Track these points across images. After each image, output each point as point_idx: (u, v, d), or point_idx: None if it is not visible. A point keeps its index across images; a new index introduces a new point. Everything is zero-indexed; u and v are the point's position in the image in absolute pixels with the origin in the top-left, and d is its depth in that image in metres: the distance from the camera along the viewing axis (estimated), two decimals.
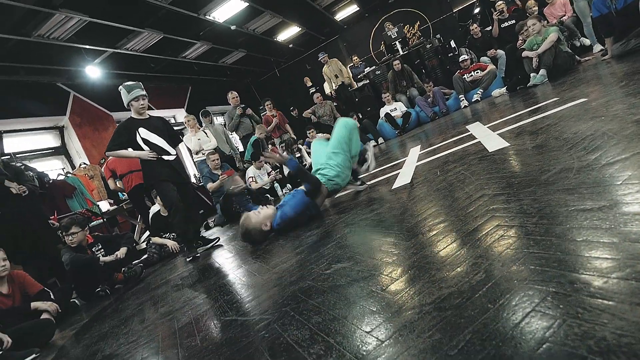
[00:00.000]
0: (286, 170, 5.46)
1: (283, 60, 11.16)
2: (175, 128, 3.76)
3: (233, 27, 7.21)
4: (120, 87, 3.04)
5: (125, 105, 3.07)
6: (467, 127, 3.63)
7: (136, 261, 4.17)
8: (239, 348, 1.04)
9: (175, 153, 3.21)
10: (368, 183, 2.90)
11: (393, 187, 2.33)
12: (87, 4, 4.85)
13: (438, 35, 8.44)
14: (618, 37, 3.92)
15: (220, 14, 6.64)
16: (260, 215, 2.46)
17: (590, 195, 1.02)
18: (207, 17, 6.49)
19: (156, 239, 4.22)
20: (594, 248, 0.77)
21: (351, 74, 8.97)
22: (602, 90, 2.58)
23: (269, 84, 11.63)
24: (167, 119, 3.75)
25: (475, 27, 6.87)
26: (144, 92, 3.06)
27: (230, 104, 6.47)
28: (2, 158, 4.91)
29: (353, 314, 0.93)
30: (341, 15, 9.65)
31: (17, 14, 4.52)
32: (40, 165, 5.95)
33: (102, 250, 3.65)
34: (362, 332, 0.83)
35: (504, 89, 5.78)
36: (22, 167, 4.56)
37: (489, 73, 6.22)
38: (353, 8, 9.53)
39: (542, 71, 4.67)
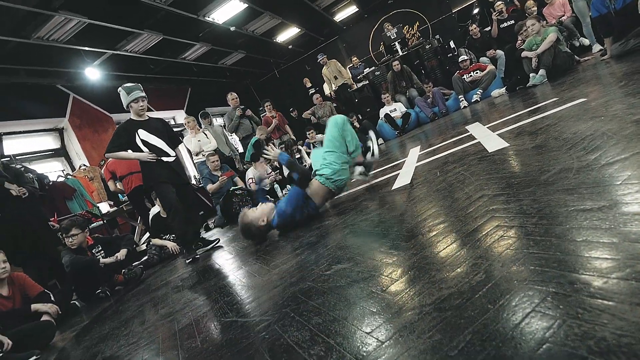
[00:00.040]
0: (286, 172, 5.46)
1: (282, 61, 11.17)
2: (175, 129, 3.76)
3: (232, 29, 7.22)
4: (120, 88, 3.03)
5: (124, 106, 3.07)
6: (466, 127, 3.63)
7: (136, 263, 4.17)
8: (239, 349, 1.04)
9: (174, 154, 3.20)
10: (368, 184, 2.90)
11: (393, 188, 2.33)
12: (86, 5, 4.86)
13: (437, 36, 8.45)
14: (617, 37, 3.92)
15: (220, 15, 6.64)
16: (257, 211, 2.52)
17: (590, 195, 1.02)
18: (207, 18, 6.50)
19: (156, 241, 4.22)
20: (593, 248, 0.77)
21: (350, 75, 8.98)
22: (601, 90, 2.59)
23: (268, 85, 11.64)
24: (166, 120, 3.75)
25: (475, 28, 6.88)
26: (144, 94, 3.06)
27: (229, 105, 6.47)
28: (2, 160, 4.91)
29: (353, 315, 0.93)
30: (340, 16, 9.66)
31: (16, 16, 4.52)
32: (40, 167, 5.95)
33: (102, 251, 3.65)
34: (362, 333, 0.83)
35: (503, 89, 5.79)
36: (22, 169, 4.56)
37: (489, 73, 6.23)
38: (352, 9, 9.55)
39: (542, 71, 4.67)
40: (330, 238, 1.80)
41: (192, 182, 4.32)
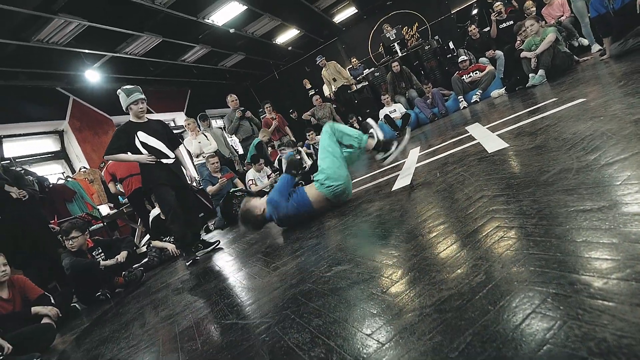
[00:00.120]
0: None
1: (282, 62, 11.18)
2: (175, 132, 3.77)
3: (232, 30, 7.23)
4: (119, 90, 3.03)
5: (123, 108, 3.07)
6: (466, 128, 3.63)
7: (136, 265, 4.16)
8: (239, 352, 1.04)
9: (174, 156, 3.20)
10: (368, 185, 2.90)
11: (393, 189, 2.33)
12: (86, 8, 4.87)
13: (436, 37, 8.46)
14: (616, 37, 3.93)
15: (219, 17, 6.65)
16: (258, 200, 2.62)
17: (590, 195, 1.02)
18: (206, 20, 6.51)
19: (156, 243, 4.22)
20: (593, 249, 0.77)
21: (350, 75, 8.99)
22: (600, 90, 2.59)
23: (268, 87, 11.65)
24: (166, 122, 3.75)
25: (474, 28, 6.89)
26: (143, 96, 3.06)
27: (229, 107, 6.48)
28: (2, 163, 4.92)
29: (353, 316, 0.93)
30: (340, 17, 9.68)
31: (16, 19, 4.53)
32: (40, 170, 5.96)
33: (103, 254, 3.65)
34: (362, 334, 0.83)
35: (502, 90, 5.79)
36: (22, 171, 4.57)
37: (488, 74, 6.23)
38: (351, 10, 9.56)
39: (541, 72, 4.68)
40: (331, 239, 1.80)
41: (193, 184, 4.32)
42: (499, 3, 6.55)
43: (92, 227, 4.94)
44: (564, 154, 1.47)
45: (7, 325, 2.48)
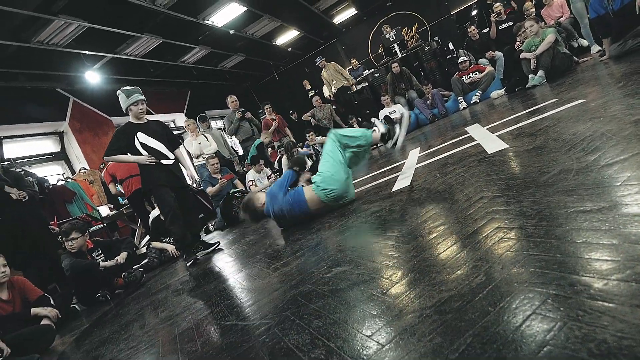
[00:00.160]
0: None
1: (282, 63, 11.19)
2: (175, 132, 3.77)
3: (232, 32, 7.24)
4: (119, 91, 3.02)
5: (123, 109, 3.07)
6: (466, 129, 3.63)
7: (136, 266, 4.16)
8: (239, 353, 1.04)
9: (173, 157, 3.20)
10: (368, 186, 2.90)
11: (393, 190, 2.33)
12: (86, 9, 4.87)
13: (436, 38, 8.47)
14: (615, 37, 3.93)
15: (219, 19, 6.66)
16: (263, 193, 2.78)
17: (590, 196, 1.02)
18: (206, 21, 6.52)
19: (156, 244, 4.21)
20: (593, 250, 0.77)
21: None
22: (600, 91, 2.59)
23: (268, 88, 11.66)
24: (166, 123, 3.75)
25: (473, 29, 6.90)
26: (143, 97, 3.06)
27: (229, 108, 6.49)
28: (2, 164, 4.91)
29: (353, 317, 0.93)
30: (339, 18, 9.69)
31: (17, 20, 4.54)
32: (40, 171, 5.95)
33: (102, 255, 3.64)
34: (362, 336, 0.83)
35: (502, 91, 5.80)
36: (22, 172, 4.57)
37: (488, 75, 6.24)
38: (351, 11, 9.57)
39: (540, 72, 4.68)
40: (331, 240, 1.80)
41: (193, 185, 4.32)
42: (498, 4, 6.56)
43: (92, 228, 4.94)
44: (564, 154, 1.47)
45: (6, 327, 2.48)
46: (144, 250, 4.95)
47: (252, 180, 5.49)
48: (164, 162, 3.10)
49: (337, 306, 1.04)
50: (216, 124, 9.96)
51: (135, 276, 3.52)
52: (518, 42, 5.70)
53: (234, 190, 5.17)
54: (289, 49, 10.01)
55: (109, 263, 3.46)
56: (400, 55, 7.87)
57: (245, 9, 6.62)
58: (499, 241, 1.00)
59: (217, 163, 5.25)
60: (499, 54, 6.52)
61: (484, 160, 2.02)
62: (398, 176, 2.72)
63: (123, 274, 3.55)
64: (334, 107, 8.10)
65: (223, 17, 6.64)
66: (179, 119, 9.10)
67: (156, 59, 7.10)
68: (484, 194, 1.45)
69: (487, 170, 1.80)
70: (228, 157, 6.35)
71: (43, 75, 6.14)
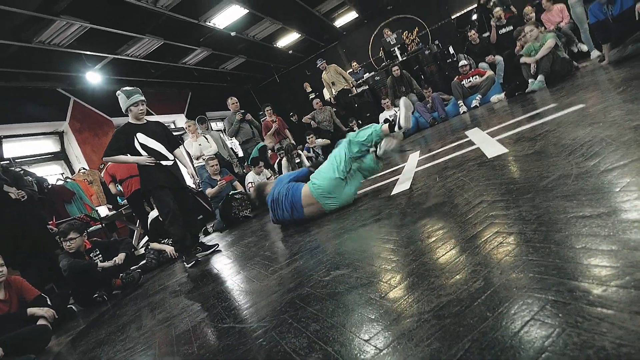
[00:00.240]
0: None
1: (283, 66, 11.22)
2: (175, 134, 3.76)
3: (233, 34, 7.26)
4: (119, 92, 3.02)
5: (123, 110, 3.06)
6: (466, 133, 3.64)
7: (134, 267, 4.14)
8: (236, 356, 1.04)
9: (173, 158, 3.19)
10: (368, 189, 2.90)
11: (392, 193, 2.33)
12: (88, 10, 4.89)
13: (436, 42, 8.50)
14: (615, 43, 3.95)
15: (221, 21, 6.68)
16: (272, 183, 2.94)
17: (589, 202, 1.02)
18: (208, 23, 6.54)
19: (155, 245, 4.20)
20: (592, 255, 0.77)
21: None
22: (600, 96, 2.60)
23: (268, 90, 11.68)
24: (166, 124, 3.75)
25: (473, 34, 6.92)
26: (143, 97, 3.06)
27: (230, 110, 6.50)
28: (1, 163, 4.91)
29: (351, 321, 0.93)
30: (340, 21, 9.73)
31: (18, 20, 4.55)
32: (39, 170, 5.95)
33: (100, 255, 3.63)
34: (360, 340, 0.83)
35: (502, 95, 5.80)
36: (21, 172, 4.57)
37: (488, 79, 6.25)
38: (352, 15, 9.61)
39: (540, 77, 4.69)
40: (329, 243, 1.80)
41: (192, 186, 4.31)
42: (498, 9, 6.58)
43: (91, 229, 4.93)
44: (564, 159, 1.47)
45: (2, 327, 2.46)
46: (142, 251, 4.93)
47: (251, 182, 5.49)
48: (164, 163, 3.09)
49: (335, 310, 1.03)
50: (217, 126, 9.98)
51: (133, 277, 3.50)
52: (518, 47, 5.72)
53: (233, 191, 5.17)
54: (290, 52, 10.04)
55: (107, 264, 3.45)
56: (400, 59, 7.89)
57: (246, 11, 6.64)
58: (498, 246, 0.99)
59: (216, 164, 5.25)
60: (499, 58, 6.54)
61: (484, 165, 2.02)
62: (398, 179, 2.72)
63: (121, 274, 3.53)
64: (335, 109, 8.11)
65: (224, 19, 6.67)
66: (180, 120, 9.11)
67: (157, 60, 7.11)
68: (484, 199, 1.44)
69: (486, 174, 1.80)
70: (227, 158, 6.36)
71: (44, 75, 6.14)
